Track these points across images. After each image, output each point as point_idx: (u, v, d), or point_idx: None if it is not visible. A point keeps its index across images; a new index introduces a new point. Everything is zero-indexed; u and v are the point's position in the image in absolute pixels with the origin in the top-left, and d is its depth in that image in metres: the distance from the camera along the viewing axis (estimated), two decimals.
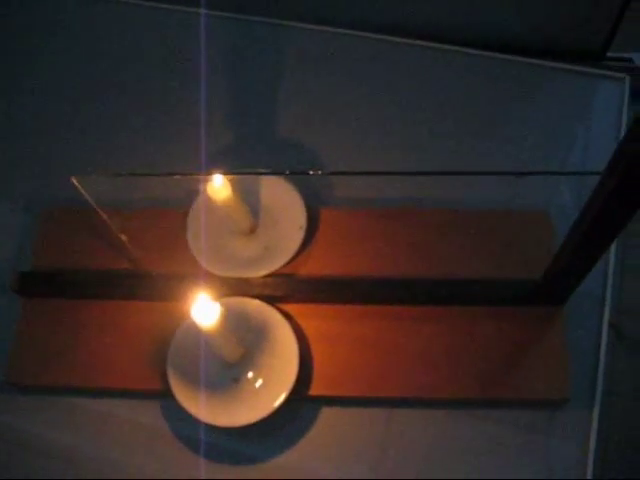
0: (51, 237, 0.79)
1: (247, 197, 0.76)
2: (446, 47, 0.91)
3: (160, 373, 0.72)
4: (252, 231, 0.77)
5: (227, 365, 0.71)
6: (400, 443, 0.70)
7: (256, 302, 0.73)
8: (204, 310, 0.63)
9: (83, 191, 0.55)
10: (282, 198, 0.78)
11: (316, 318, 0.73)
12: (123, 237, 0.65)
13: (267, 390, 0.69)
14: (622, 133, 0.84)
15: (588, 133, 0.85)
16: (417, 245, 0.76)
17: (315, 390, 0.71)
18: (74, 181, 0.54)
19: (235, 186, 0.71)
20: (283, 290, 0.73)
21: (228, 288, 0.73)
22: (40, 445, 0.72)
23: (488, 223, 0.76)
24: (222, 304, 0.65)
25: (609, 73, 0.89)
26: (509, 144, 0.84)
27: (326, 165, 0.83)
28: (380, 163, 0.83)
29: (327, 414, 0.72)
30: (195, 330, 0.66)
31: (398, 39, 0.92)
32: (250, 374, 0.71)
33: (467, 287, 0.73)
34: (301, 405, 0.71)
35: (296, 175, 0.76)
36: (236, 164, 0.82)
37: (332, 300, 0.73)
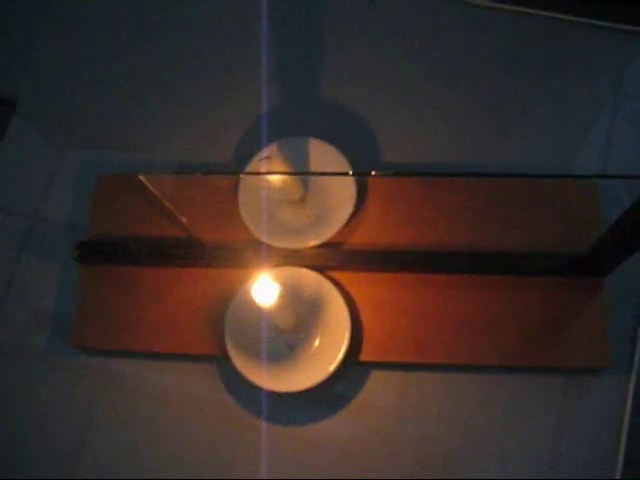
0: (107, 205, 0.81)
1: (298, 166, 0.77)
2: (490, 4, 0.89)
3: (217, 339, 0.75)
4: (302, 200, 0.78)
5: (282, 332, 0.74)
6: (444, 405, 0.74)
7: (309, 272, 0.75)
8: (264, 290, 0.66)
9: (152, 189, 0.56)
10: (331, 167, 0.78)
11: (366, 286, 0.76)
12: (184, 219, 0.67)
13: (321, 356, 0.73)
14: None
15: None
16: (465, 214, 0.77)
17: (365, 356, 0.74)
18: (142, 179, 0.56)
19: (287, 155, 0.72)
20: (334, 260, 0.75)
21: (281, 258, 0.75)
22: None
23: (537, 193, 0.77)
24: (276, 274, 0.67)
25: None
26: (555, 109, 0.84)
27: (373, 125, 0.83)
28: (426, 123, 0.83)
29: (376, 378, 0.75)
30: (250, 300, 0.68)
31: None
32: (304, 341, 0.74)
33: (514, 258, 0.74)
34: (351, 369, 0.74)
35: (345, 143, 0.77)
36: (284, 127, 0.83)
37: (382, 269, 0.75)
